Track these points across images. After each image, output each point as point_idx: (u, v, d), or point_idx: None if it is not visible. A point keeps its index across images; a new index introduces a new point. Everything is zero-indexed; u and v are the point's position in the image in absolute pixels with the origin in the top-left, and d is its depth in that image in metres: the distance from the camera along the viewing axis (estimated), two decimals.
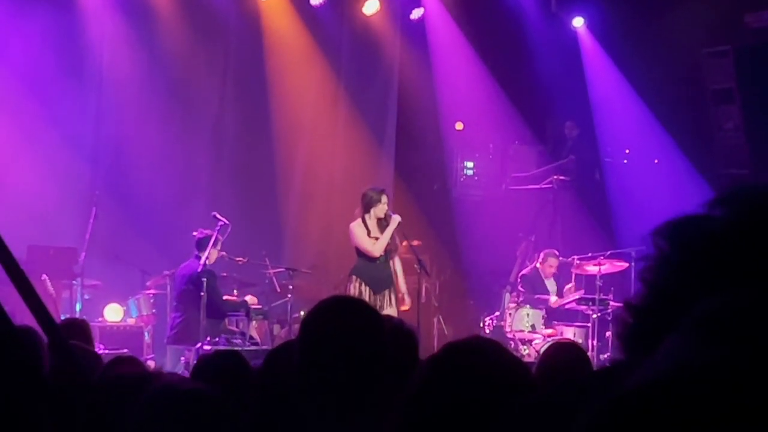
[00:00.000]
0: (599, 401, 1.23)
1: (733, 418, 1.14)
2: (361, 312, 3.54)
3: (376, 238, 12.94)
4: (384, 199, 13.01)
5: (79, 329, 7.55)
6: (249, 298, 14.05)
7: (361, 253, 13.03)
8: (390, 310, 12.54)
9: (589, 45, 17.80)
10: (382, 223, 13.01)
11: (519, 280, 15.49)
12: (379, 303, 12.78)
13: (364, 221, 12.99)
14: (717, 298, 1.25)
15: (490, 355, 2.53)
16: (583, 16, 17.69)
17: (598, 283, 14.33)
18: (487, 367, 2.48)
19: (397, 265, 13.26)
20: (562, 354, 5.71)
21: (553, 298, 15.10)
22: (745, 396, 1.14)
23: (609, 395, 1.22)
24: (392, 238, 13.06)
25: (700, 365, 1.18)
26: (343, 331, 3.42)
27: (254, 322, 13.98)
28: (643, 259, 1.43)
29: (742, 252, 1.32)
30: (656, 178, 17.06)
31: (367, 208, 13.03)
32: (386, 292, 13.00)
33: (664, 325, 1.30)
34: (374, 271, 12.98)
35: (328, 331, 3.43)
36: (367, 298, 12.71)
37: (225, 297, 13.63)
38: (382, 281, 13.00)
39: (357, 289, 12.85)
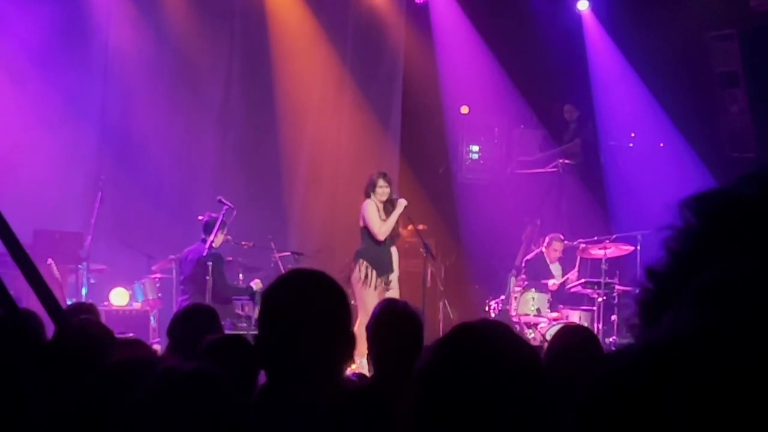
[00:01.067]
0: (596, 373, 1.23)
1: (724, 388, 1.14)
2: (320, 282, 3.52)
3: (383, 222, 12.94)
4: (381, 182, 12.98)
5: (87, 313, 7.57)
6: (254, 283, 14.04)
7: (366, 236, 13.02)
8: (393, 293, 12.55)
9: (593, 28, 17.77)
10: (388, 207, 13.00)
11: (523, 265, 15.49)
12: (383, 285, 12.81)
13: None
14: (717, 268, 1.25)
15: (502, 338, 2.54)
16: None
17: (604, 266, 14.33)
18: (498, 349, 2.49)
19: (393, 252, 13.25)
20: (572, 337, 5.71)
21: (551, 281, 15.07)
22: (737, 365, 1.15)
23: (604, 366, 1.22)
24: (395, 224, 13.06)
25: (692, 333, 1.18)
26: (300, 302, 3.40)
27: (259, 305, 13.97)
28: (668, 229, 1.43)
29: None
30: (662, 161, 17.03)
31: (367, 191, 13.03)
32: (389, 275, 13.01)
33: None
34: (379, 253, 12.98)
35: (286, 303, 3.42)
36: (372, 280, 12.73)
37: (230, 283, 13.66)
38: (386, 264, 13.01)
39: (363, 271, 12.84)
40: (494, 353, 2.48)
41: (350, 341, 3.40)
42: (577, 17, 17.85)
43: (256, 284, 14.04)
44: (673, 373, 1.16)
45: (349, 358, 3.47)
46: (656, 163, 17.03)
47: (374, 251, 12.99)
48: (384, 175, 13.16)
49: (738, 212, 1.35)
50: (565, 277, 15.04)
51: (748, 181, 1.38)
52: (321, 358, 3.32)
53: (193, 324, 6.19)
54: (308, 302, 3.35)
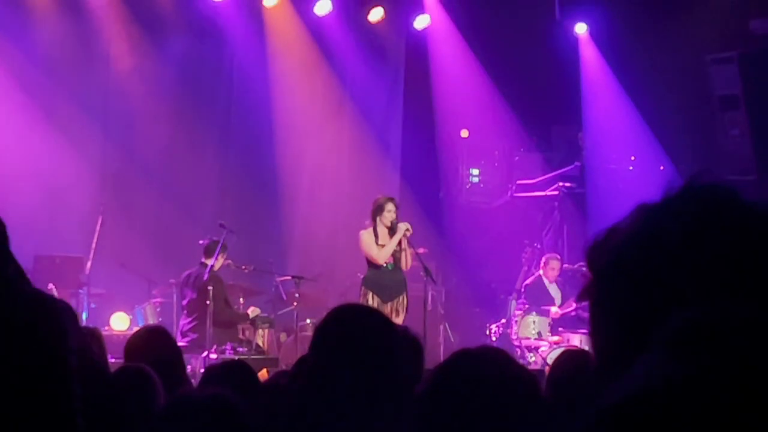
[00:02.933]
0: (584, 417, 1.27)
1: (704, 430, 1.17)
2: (373, 320, 3.54)
3: (380, 247, 12.92)
4: (389, 206, 12.96)
5: (93, 338, 7.55)
6: (251, 311, 14.00)
7: (369, 262, 13.01)
8: (397, 320, 12.49)
9: (589, 53, 17.82)
10: (392, 231, 12.97)
11: (523, 290, 15.48)
12: (387, 311, 12.74)
13: (374, 229, 12.97)
14: (685, 313, 1.28)
15: (500, 364, 2.54)
16: (586, 23, 17.67)
17: None
18: (496, 376, 2.49)
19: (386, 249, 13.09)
20: (573, 362, 5.70)
21: (553, 309, 15.04)
22: (714, 409, 1.17)
23: (587, 411, 1.25)
24: (403, 246, 13.00)
25: (671, 380, 1.20)
26: (355, 339, 3.42)
27: (260, 330, 13.96)
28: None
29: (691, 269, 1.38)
30: (662, 184, 16.99)
31: (374, 215, 13.02)
32: (396, 301, 12.94)
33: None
34: (382, 279, 12.93)
35: (340, 339, 3.44)
36: (373, 306, 12.69)
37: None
38: (390, 289, 12.94)
39: (365, 299, 12.82)
40: (492, 379, 2.48)
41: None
42: (576, 41, 17.90)
43: (253, 311, 14.01)
44: (657, 421, 1.19)
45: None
46: (656, 185, 17.00)
47: (376, 277, 12.95)
48: (392, 200, 13.15)
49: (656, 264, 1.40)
50: (567, 306, 15.02)
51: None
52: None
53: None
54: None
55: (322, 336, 3.55)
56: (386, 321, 3.66)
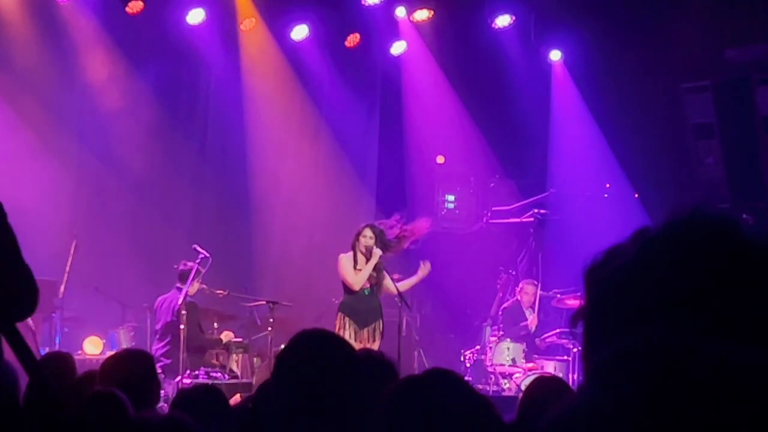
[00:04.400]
0: None
1: None
2: (333, 347, 3.55)
3: (357, 272, 12.93)
4: (366, 232, 12.98)
5: (63, 363, 7.53)
6: (224, 335, 13.98)
7: (345, 287, 13.01)
8: (374, 345, 12.48)
9: (560, 79, 17.90)
10: (369, 257, 12.97)
11: (500, 313, 15.51)
12: (364, 337, 12.74)
13: (354, 254, 12.99)
14: (614, 344, 1.31)
15: (447, 390, 2.55)
16: (561, 50, 17.75)
17: None
18: (443, 401, 2.49)
19: (402, 285, 13.17)
20: (545, 388, 5.71)
21: (529, 316, 15.14)
22: None
23: None
24: (379, 272, 13.01)
25: (589, 409, 1.23)
26: (315, 367, 3.43)
27: (234, 355, 13.93)
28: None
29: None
30: (636, 212, 17.08)
31: (354, 241, 13.04)
32: (372, 327, 12.93)
33: None
34: (358, 304, 12.93)
35: (300, 367, 3.45)
36: (351, 333, 12.67)
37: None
38: (366, 314, 12.93)
39: (341, 324, 12.82)
40: (438, 405, 2.49)
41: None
42: (550, 68, 18.00)
43: (226, 335, 13.99)
44: None
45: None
46: (630, 213, 17.08)
47: (352, 302, 12.95)
48: (370, 226, 13.16)
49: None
50: (549, 331, 15.09)
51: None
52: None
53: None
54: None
55: (279, 361, 3.57)
56: (343, 345, 3.65)
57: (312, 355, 3.48)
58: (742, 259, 1.45)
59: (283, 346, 3.73)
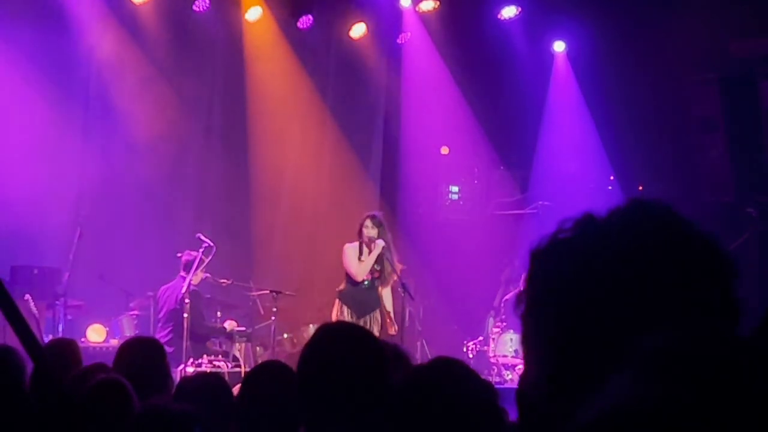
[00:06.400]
0: None
1: None
2: (362, 340, 3.55)
3: (361, 262, 12.96)
4: (367, 222, 13.01)
5: (68, 350, 7.55)
6: (228, 324, 14.00)
7: (347, 277, 13.04)
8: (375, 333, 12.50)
9: (562, 71, 17.87)
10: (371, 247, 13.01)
11: (503, 304, 15.49)
12: (368, 325, 12.76)
13: (360, 244, 13.03)
14: (659, 335, 1.29)
15: (455, 378, 2.55)
16: (565, 41, 17.73)
17: None
18: (451, 390, 2.50)
19: (385, 293, 13.23)
20: None
21: None
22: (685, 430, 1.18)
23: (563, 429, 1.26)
24: (383, 265, 13.03)
25: (644, 401, 1.22)
26: (344, 361, 3.42)
27: (237, 344, 13.95)
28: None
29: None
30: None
31: (358, 231, 13.07)
32: (370, 317, 12.98)
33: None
34: (358, 294, 12.98)
35: (328, 361, 3.44)
36: (345, 320, 12.70)
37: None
38: (365, 305, 12.98)
39: (336, 311, 12.87)
40: (445, 395, 2.49)
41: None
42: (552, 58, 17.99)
43: (230, 325, 14.01)
44: None
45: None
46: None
47: (352, 292, 13.00)
48: (373, 217, 13.18)
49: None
50: None
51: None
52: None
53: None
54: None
55: (308, 359, 3.54)
56: (375, 340, 3.65)
57: (344, 353, 3.46)
58: (683, 247, 1.47)
59: (293, 335, 3.72)
